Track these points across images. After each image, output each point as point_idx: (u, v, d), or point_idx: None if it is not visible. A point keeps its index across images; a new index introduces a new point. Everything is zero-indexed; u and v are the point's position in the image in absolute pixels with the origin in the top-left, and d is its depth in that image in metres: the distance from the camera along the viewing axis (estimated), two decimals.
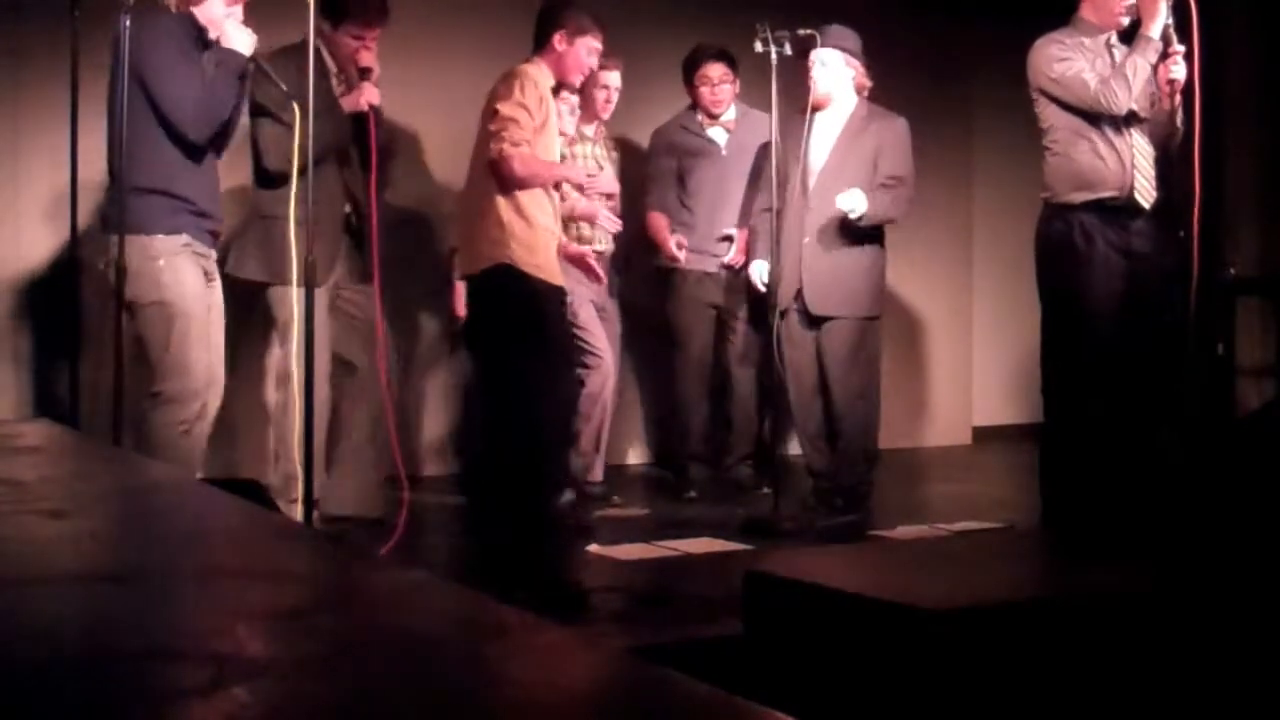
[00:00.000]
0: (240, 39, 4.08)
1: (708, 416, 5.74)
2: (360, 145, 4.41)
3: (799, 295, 5.04)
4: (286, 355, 4.35)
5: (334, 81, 4.54)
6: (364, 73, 4.53)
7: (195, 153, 4.06)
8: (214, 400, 4.09)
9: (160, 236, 3.97)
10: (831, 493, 5.08)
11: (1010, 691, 2.24)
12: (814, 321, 5.07)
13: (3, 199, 5.24)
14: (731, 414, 5.69)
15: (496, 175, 4.47)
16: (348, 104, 4.46)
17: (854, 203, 4.87)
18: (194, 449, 4.04)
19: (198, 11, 4.05)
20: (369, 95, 4.42)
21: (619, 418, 5.85)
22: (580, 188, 4.88)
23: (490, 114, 4.50)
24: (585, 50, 4.65)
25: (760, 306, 5.32)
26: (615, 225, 5.06)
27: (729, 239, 5.55)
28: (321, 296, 4.16)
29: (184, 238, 4.01)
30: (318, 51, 4.35)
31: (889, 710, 2.24)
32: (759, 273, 5.28)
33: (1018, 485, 5.34)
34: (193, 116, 3.99)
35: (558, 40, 4.60)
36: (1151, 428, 4.53)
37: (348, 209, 4.57)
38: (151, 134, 3.97)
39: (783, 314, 5.09)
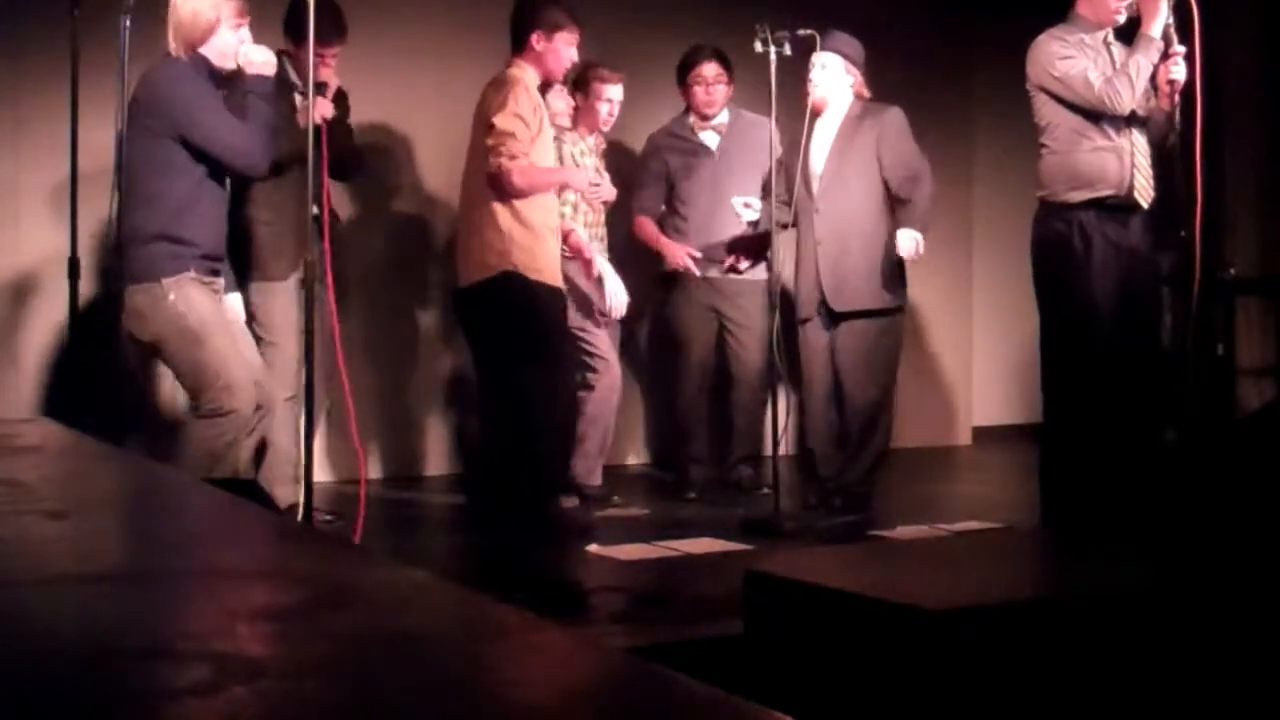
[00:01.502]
0: (261, 59, 4.15)
1: (708, 418, 5.73)
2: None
3: (822, 303, 5.05)
4: (267, 345, 4.55)
5: (297, 97, 4.62)
6: (320, 87, 4.64)
7: (208, 189, 4.11)
8: (265, 415, 4.15)
9: (166, 280, 4.02)
10: (832, 493, 5.08)
11: (1010, 691, 2.24)
12: (834, 320, 5.08)
13: (3, 198, 5.24)
14: (733, 415, 5.67)
15: (496, 189, 4.47)
16: (302, 119, 4.58)
17: (910, 243, 4.93)
18: (236, 462, 4.11)
19: (207, 51, 4.08)
20: (322, 109, 4.64)
21: (619, 418, 5.85)
22: (583, 196, 4.85)
23: (485, 126, 4.50)
24: (564, 44, 4.65)
25: (763, 307, 5.31)
26: (615, 285, 5.07)
27: (737, 248, 5.45)
28: (292, 288, 4.49)
29: (189, 273, 4.06)
30: (284, 67, 4.55)
31: (889, 710, 2.24)
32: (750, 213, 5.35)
33: (1018, 485, 5.33)
34: (259, 157, 4.11)
35: (535, 40, 4.61)
36: (1152, 428, 4.52)
37: (315, 211, 4.65)
38: (154, 178, 4.00)
39: (803, 321, 5.10)
